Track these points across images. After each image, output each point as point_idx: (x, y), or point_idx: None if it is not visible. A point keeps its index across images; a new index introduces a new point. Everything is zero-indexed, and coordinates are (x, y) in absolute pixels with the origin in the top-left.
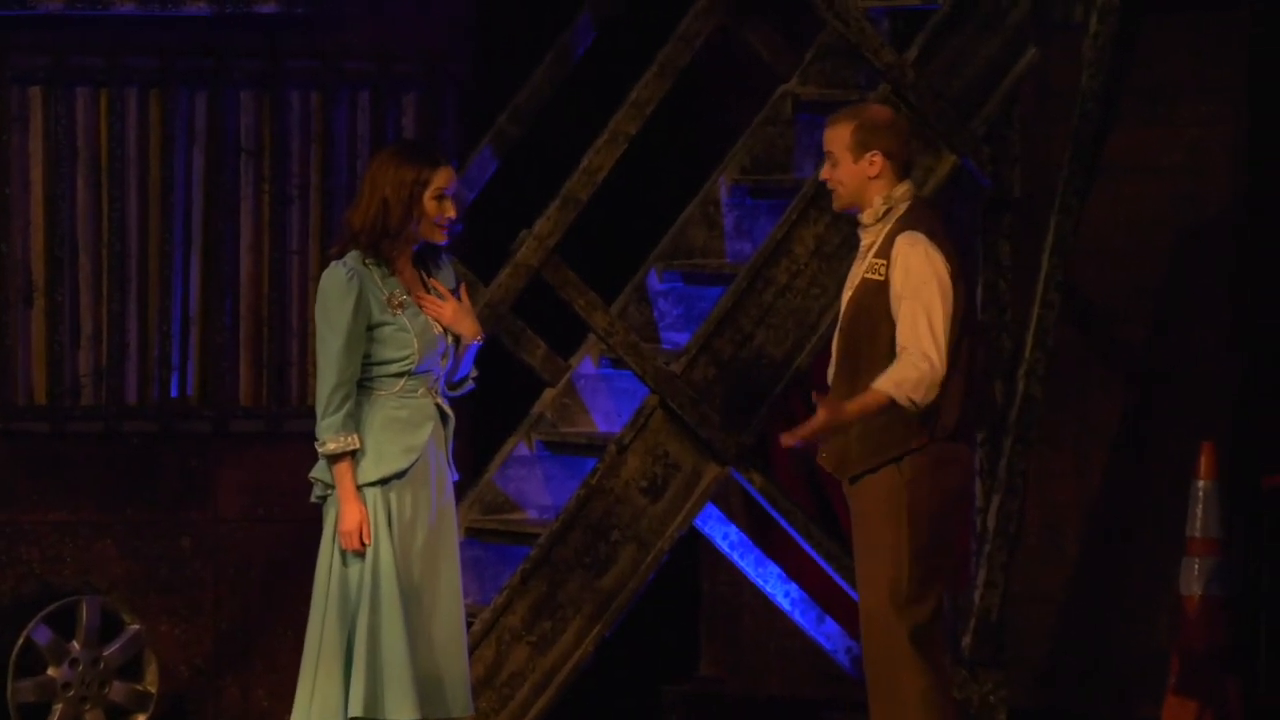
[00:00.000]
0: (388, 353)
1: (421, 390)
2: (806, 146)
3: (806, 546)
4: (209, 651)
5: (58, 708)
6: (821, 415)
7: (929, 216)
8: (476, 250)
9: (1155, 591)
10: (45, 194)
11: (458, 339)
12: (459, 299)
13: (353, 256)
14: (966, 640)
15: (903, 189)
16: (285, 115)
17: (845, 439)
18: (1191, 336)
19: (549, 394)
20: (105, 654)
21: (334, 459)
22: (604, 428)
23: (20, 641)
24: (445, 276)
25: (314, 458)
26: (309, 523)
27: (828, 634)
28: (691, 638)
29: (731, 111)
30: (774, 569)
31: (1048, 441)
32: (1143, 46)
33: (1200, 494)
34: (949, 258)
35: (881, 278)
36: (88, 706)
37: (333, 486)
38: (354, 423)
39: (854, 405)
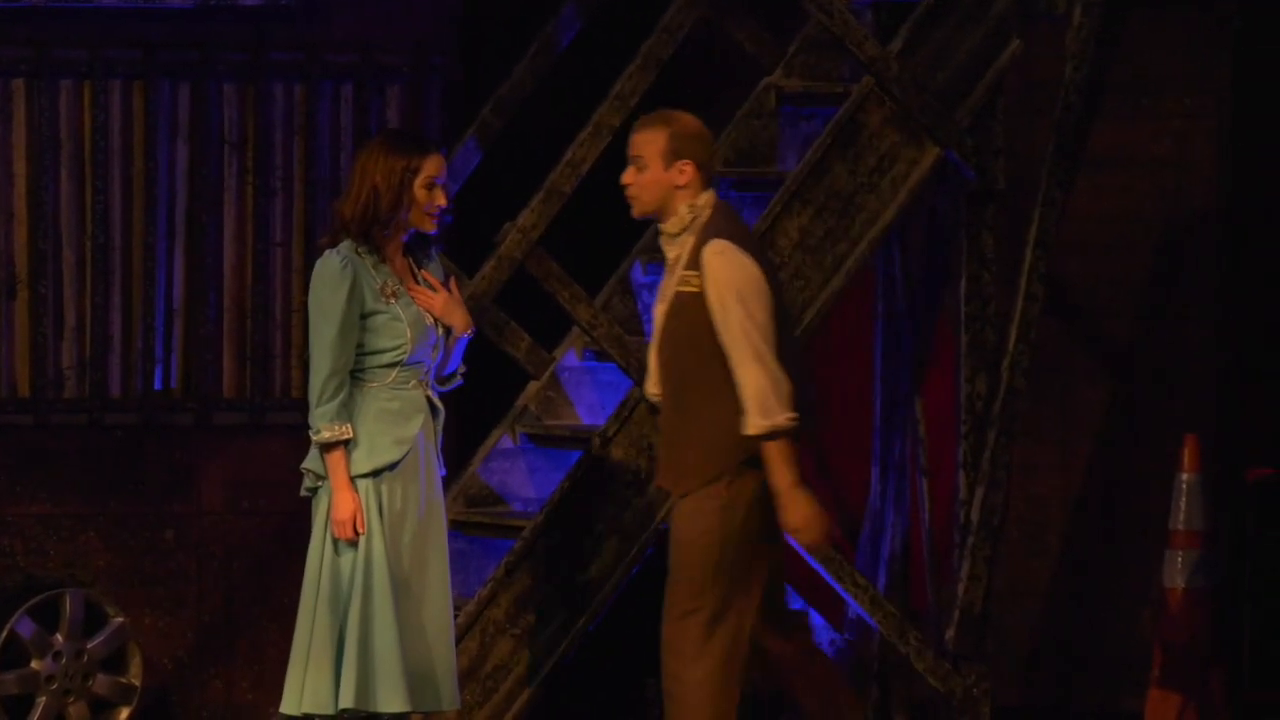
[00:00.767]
0: (380, 342)
1: (413, 382)
2: (790, 139)
3: (790, 539)
4: (193, 644)
5: (41, 700)
6: (792, 510)
7: (731, 221)
8: (460, 242)
9: (1138, 584)
10: (28, 186)
11: (449, 331)
12: (449, 291)
13: (346, 245)
14: (950, 634)
15: (706, 197)
16: (269, 107)
17: (679, 457)
18: (1175, 329)
19: (533, 387)
20: (89, 647)
21: (327, 448)
22: (588, 420)
23: (3, 634)
24: (435, 269)
25: (298, 449)
26: (293, 515)
27: (811, 626)
28: None
29: (715, 104)
30: None
31: (1031, 434)
32: (1126, 39)
33: (1184, 487)
34: (758, 259)
35: (695, 289)
36: (71, 699)
37: (324, 478)
38: (347, 412)
39: (780, 478)
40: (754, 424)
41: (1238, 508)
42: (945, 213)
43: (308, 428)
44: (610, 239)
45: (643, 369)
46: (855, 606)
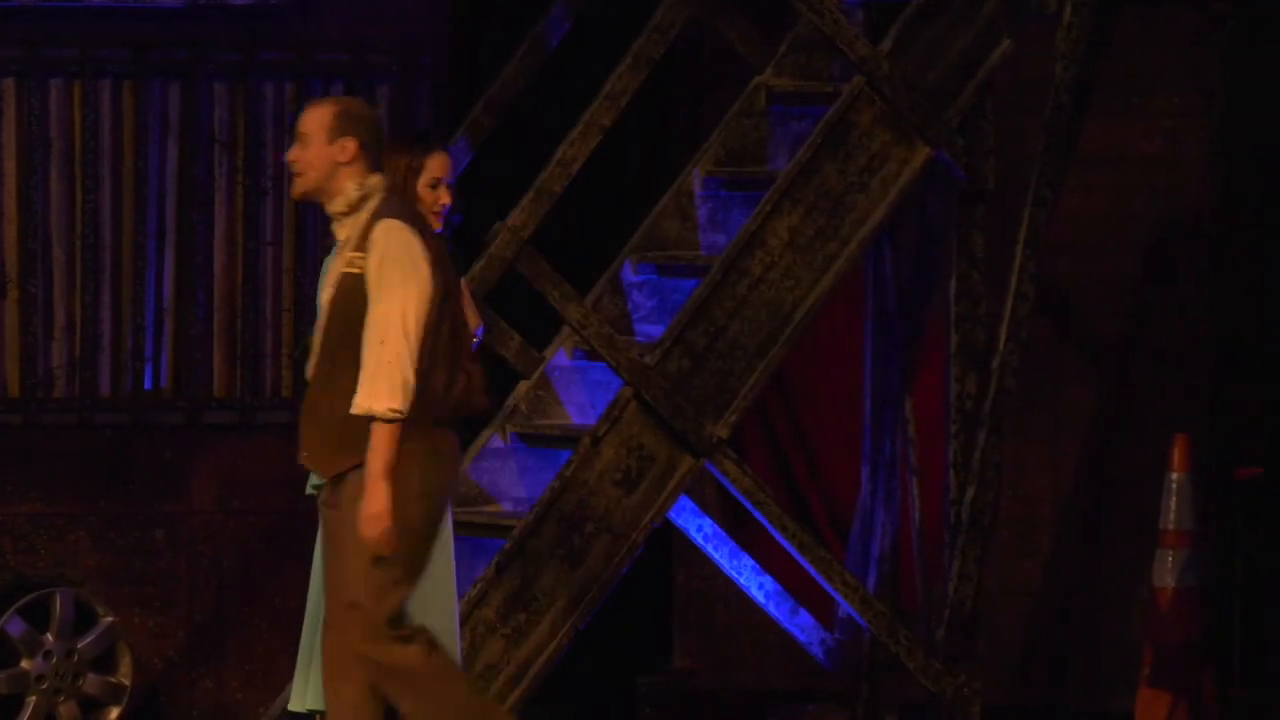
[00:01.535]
0: None
1: None
2: (780, 139)
3: (780, 539)
4: (183, 644)
5: (31, 700)
6: (371, 499)
7: (405, 206)
8: (451, 241)
9: (1129, 584)
10: (18, 185)
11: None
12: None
13: None
14: (940, 633)
15: (376, 179)
16: (259, 107)
17: (323, 436)
18: (1166, 328)
19: (523, 386)
20: (79, 646)
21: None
22: (578, 420)
23: None
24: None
25: (289, 448)
26: (284, 514)
27: (801, 626)
28: (665, 630)
29: (706, 104)
30: (748, 561)
31: (1021, 434)
32: (1117, 38)
33: (1174, 486)
34: (428, 246)
35: (361, 270)
36: (61, 699)
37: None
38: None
39: (373, 462)
40: (358, 402)
41: (1227, 507)
42: (935, 212)
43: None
44: (601, 239)
45: (634, 369)
46: (845, 606)
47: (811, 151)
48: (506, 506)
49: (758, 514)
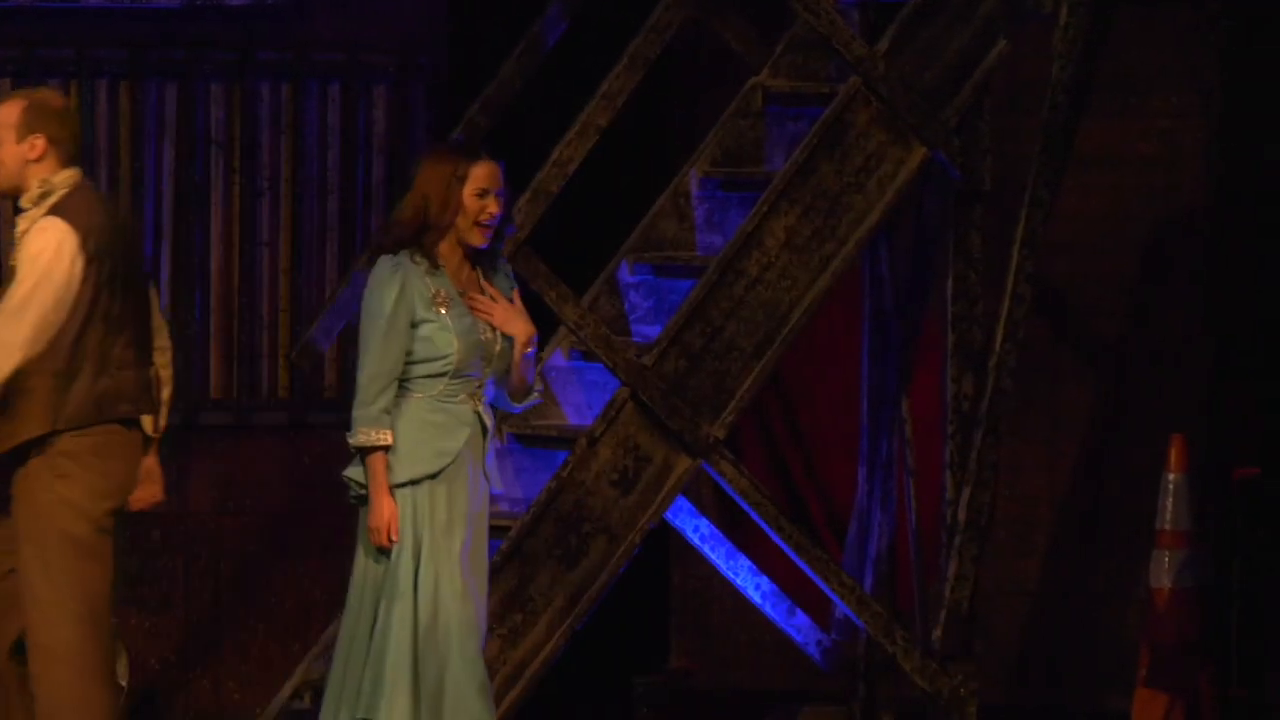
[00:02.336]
0: (428, 351)
1: (462, 395)
2: (777, 139)
3: (777, 539)
4: (180, 644)
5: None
6: None
7: (84, 203)
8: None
9: (1126, 584)
10: None
11: (512, 342)
12: (510, 301)
13: (405, 252)
14: (937, 633)
15: (65, 175)
16: (256, 107)
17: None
18: (1162, 328)
19: None
20: None
21: (367, 453)
22: (575, 420)
23: None
24: (500, 280)
25: (286, 450)
26: (280, 516)
27: (798, 626)
28: (662, 630)
29: (702, 104)
30: (744, 562)
31: (1018, 434)
32: (1113, 38)
33: (1170, 486)
34: (89, 244)
35: (14, 264)
36: None
37: (366, 486)
38: (389, 419)
39: None
40: None
41: (1225, 507)
42: (932, 212)
43: (346, 430)
44: (597, 239)
45: (630, 369)
46: (842, 606)
47: (808, 152)
48: (503, 507)
49: (754, 514)
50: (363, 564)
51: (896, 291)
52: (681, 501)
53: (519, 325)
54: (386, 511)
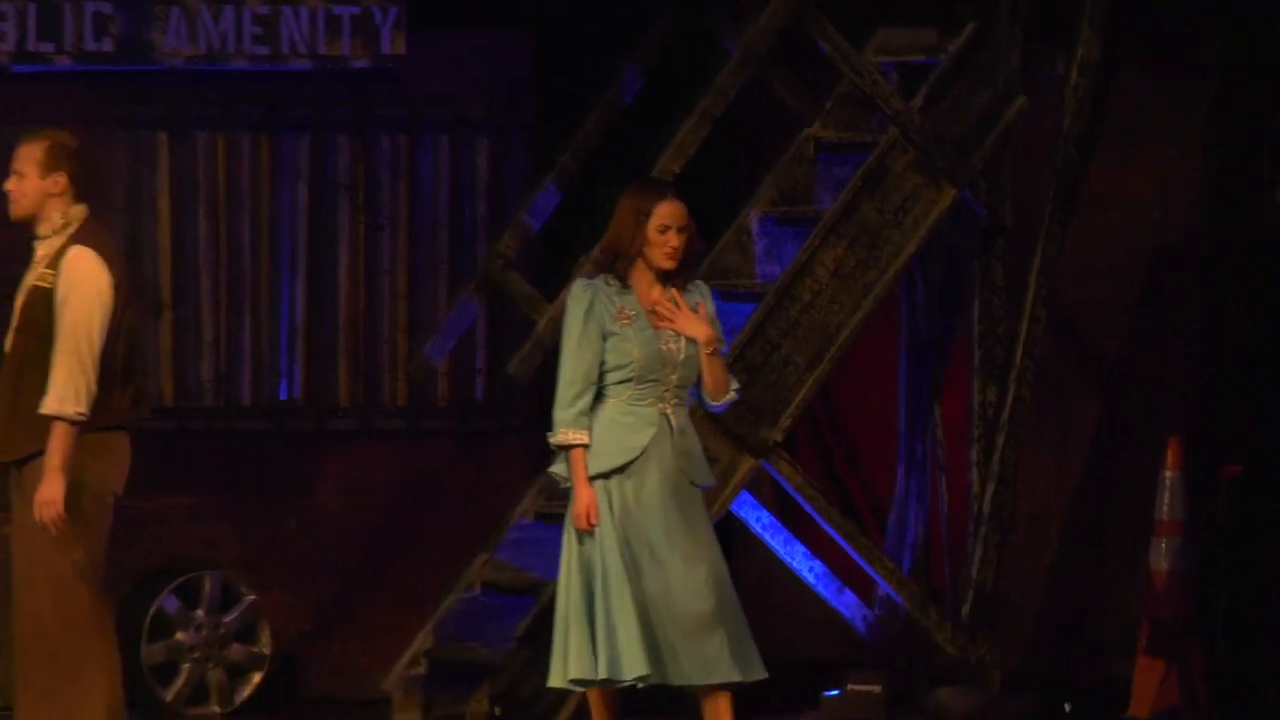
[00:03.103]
0: (614, 360)
1: (649, 399)
2: (826, 182)
3: (828, 528)
4: (313, 618)
5: (185, 667)
6: (48, 486)
7: (100, 235)
8: (542, 271)
9: (1128, 568)
10: (171, 224)
11: (698, 348)
12: (693, 311)
13: (601, 275)
14: (965, 610)
15: (80, 209)
16: (376, 156)
17: (10, 423)
18: (1159, 346)
19: None
20: (225, 621)
21: (565, 449)
22: None
23: (152, 610)
24: (690, 293)
25: (405, 452)
26: (397, 508)
27: (846, 604)
28: None
29: (762, 152)
30: (799, 548)
31: (1034, 438)
32: (1116, 93)
33: (1167, 482)
34: (114, 271)
35: (50, 285)
36: (210, 666)
37: (569, 479)
38: (586, 420)
39: (53, 456)
40: (49, 405)
41: (1213, 500)
42: (960, 246)
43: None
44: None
45: None
46: (884, 585)
47: (853, 193)
48: None
49: (808, 507)
50: (570, 546)
51: (929, 314)
52: (745, 496)
53: (699, 329)
54: (585, 500)
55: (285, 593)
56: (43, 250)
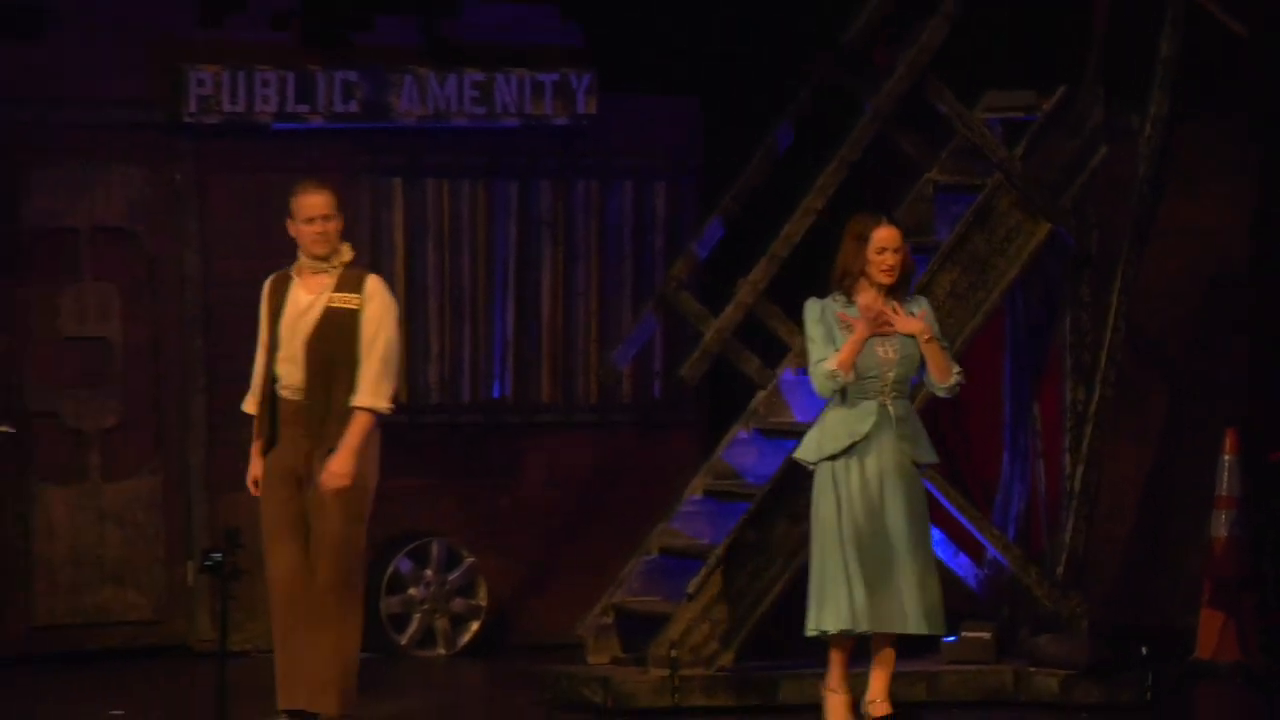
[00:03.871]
0: None
1: (870, 392)
2: (943, 218)
3: (945, 503)
4: (522, 577)
5: (416, 617)
6: (344, 460)
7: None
8: (708, 292)
9: (1194, 535)
10: (405, 255)
11: (916, 346)
12: (910, 315)
13: (831, 295)
14: (1059, 570)
15: (348, 245)
16: (572, 198)
17: (332, 422)
18: (1218, 353)
19: (761, 394)
20: (449, 579)
21: (833, 376)
22: (800, 418)
23: (389, 570)
24: (909, 303)
25: (599, 441)
26: (591, 487)
27: (960, 565)
28: None
29: (887, 193)
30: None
31: (1116, 430)
32: (1180, 142)
33: (1226, 465)
34: None
35: (355, 307)
36: (437, 616)
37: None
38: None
39: (355, 439)
40: (363, 399)
41: (1264, 479)
42: (1054, 271)
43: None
44: (814, 290)
45: None
46: (992, 550)
47: (965, 227)
48: (749, 479)
49: (928, 485)
50: (815, 515)
51: (1029, 327)
52: None
53: (915, 325)
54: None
55: (498, 556)
56: (327, 279)
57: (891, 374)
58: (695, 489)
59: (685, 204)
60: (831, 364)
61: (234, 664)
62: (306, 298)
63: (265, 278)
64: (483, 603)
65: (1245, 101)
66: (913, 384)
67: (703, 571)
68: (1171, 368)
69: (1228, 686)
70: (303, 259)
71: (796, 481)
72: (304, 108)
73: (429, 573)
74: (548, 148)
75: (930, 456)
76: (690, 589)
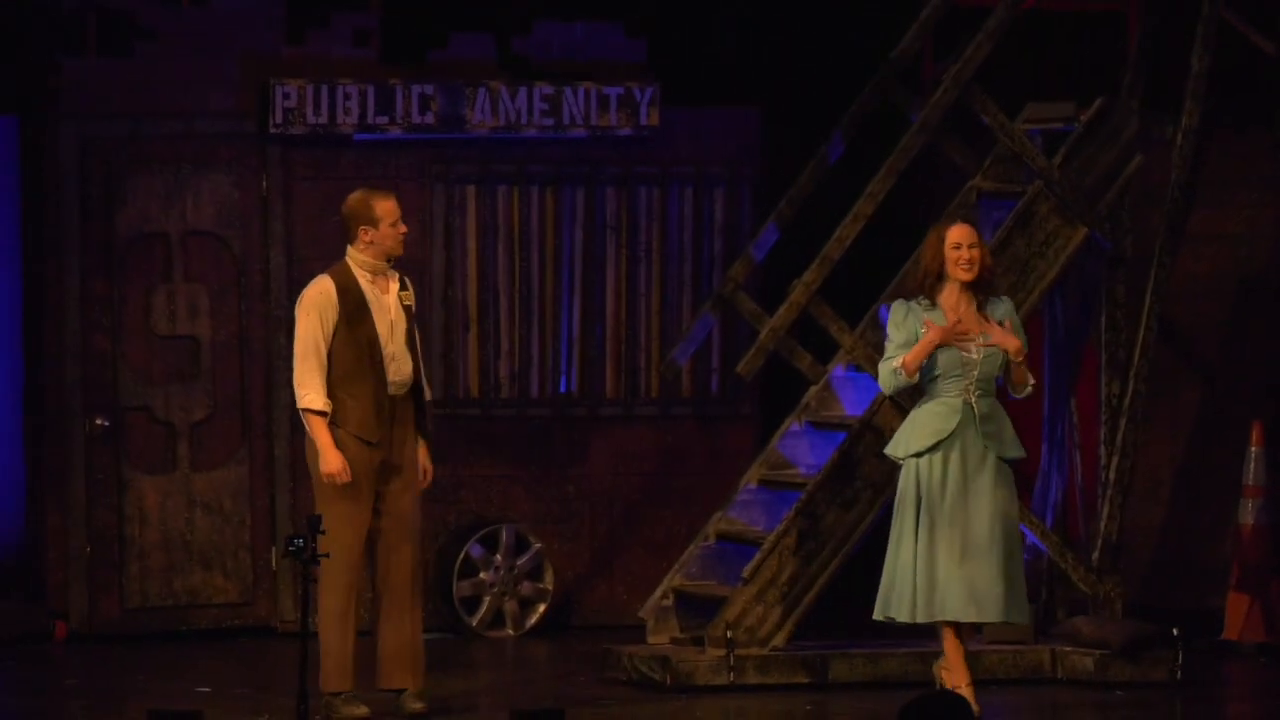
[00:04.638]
0: (926, 363)
1: (955, 392)
2: (985, 223)
3: None
4: (587, 562)
5: (486, 599)
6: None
7: None
8: (764, 292)
9: (1223, 522)
10: (477, 257)
11: (996, 351)
12: (1000, 326)
13: (916, 298)
14: (1095, 555)
15: None
16: (635, 204)
17: (420, 416)
18: (1245, 350)
19: (813, 389)
20: (517, 564)
21: (892, 367)
22: (850, 412)
23: (461, 555)
24: (997, 307)
25: (659, 433)
26: (652, 476)
27: None
28: None
29: (933, 199)
30: None
31: (1148, 423)
32: (1211, 152)
33: (1253, 456)
34: None
35: (412, 304)
36: (506, 599)
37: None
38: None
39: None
40: (430, 393)
41: None
42: (1091, 272)
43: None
44: (865, 289)
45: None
46: (1031, 536)
47: (1007, 231)
48: (802, 470)
49: None
50: (897, 507)
51: (1067, 324)
52: None
53: (1010, 342)
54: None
55: (564, 542)
56: (393, 279)
57: (975, 373)
58: (751, 478)
59: (742, 209)
60: (896, 362)
61: (315, 644)
62: (384, 298)
63: None
64: (549, 586)
65: (1272, 116)
66: (998, 383)
67: (758, 556)
68: (1202, 364)
69: (1254, 665)
70: (363, 259)
71: (846, 472)
72: (383, 119)
73: (499, 558)
74: (612, 157)
75: (1016, 451)
76: (746, 573)
